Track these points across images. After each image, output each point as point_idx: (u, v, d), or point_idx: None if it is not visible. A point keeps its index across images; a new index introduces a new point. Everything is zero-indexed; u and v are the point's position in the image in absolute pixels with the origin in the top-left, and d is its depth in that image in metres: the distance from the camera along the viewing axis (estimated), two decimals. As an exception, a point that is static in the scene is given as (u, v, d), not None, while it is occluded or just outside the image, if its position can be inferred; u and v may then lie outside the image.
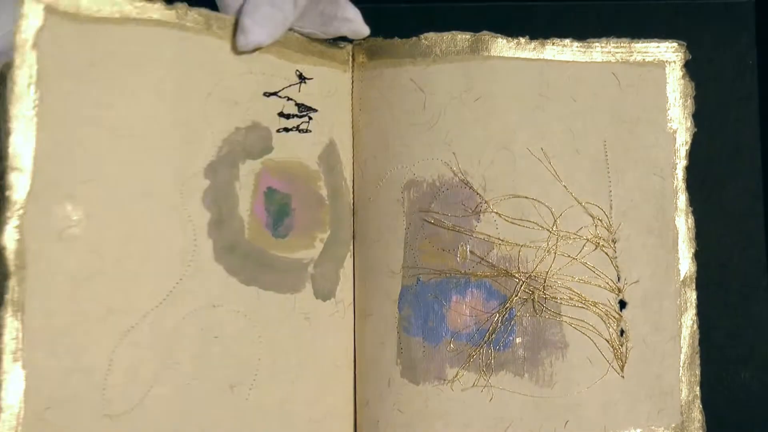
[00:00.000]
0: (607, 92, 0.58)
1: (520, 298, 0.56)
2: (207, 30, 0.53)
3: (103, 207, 0.48)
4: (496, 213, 0.56)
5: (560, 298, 0.56)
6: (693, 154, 0.58)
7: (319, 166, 0.57)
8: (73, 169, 0.47)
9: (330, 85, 0.58)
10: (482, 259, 0.56)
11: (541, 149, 0.57)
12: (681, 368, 0.57)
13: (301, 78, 0.57)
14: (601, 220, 0.57)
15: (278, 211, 0.55)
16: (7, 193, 0.45)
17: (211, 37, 0.53)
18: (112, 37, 0.49)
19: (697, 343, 0.57)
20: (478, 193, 0.56)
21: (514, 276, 0.56)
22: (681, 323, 0.57)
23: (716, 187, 0.60)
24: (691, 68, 0.58)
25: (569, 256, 0.56)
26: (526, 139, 0.57)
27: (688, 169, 0.58)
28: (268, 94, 0.55)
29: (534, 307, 0.56)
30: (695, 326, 0.57)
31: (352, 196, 0.59)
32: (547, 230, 0.56)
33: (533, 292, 0.56)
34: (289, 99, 0.56)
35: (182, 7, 0.52)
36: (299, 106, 0.57)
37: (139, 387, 0.49)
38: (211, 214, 0.52)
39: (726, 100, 0.61)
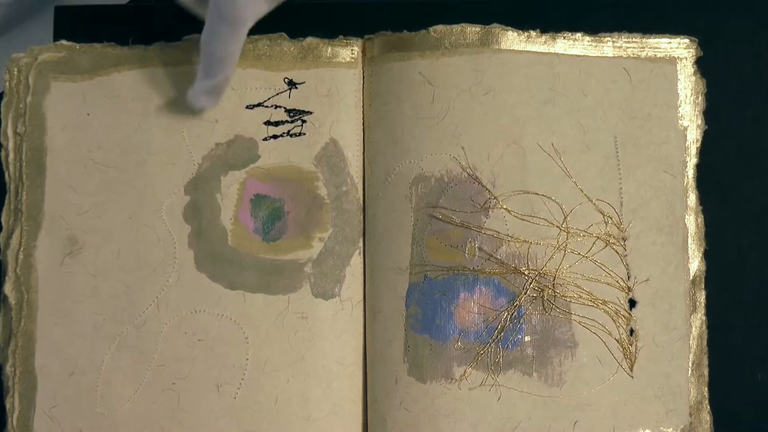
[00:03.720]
0: (618, 87, 0.57)
1: (529, 296, 0.55)
2: (180, 60, 0.58)
3: (95, 234, 0.57)
4: (506, 209, 0.55)
5: (570, 297, 0.55)
6: (710, 151, 0.58)
7: (316, 167, 0.58)
8: (72, 205, 0.57)
9: (328, 84, 0.58)
10: (491, 255, 0.55)
11: (552, 144, 0.56)
12: (690, 369, 0.56)
13: (291, 84, 0.58)
14: (611, 218, 0.56)
15: (268, 216, 0.57)
16: (23, 231, 0.57)
17: (187, 66, 0.58)
18: (102, 87, 0.58)
19: (705, 343, 0.57)
20: (487, 189, 0.56)
21: (524, 273, 0.55)
22: (690, 323, 0.56)
23: (733, 186, 0.59)
24: (708, 65, 0.58)
25: (579, 253, 0.56)
26: (536, 134, 0.56)
27: (705, 167, 0.57)
28: (251, 107, 0.58)
29: (543, 305, 0.55)
30: (704, 326, 0.57)
31: (361, 192, 0.58)
32: (557, 227, 0.55)
33: (542, 290, 0.55)
34: (277, 107, 0.58)
35: (156, 46, 0.59)
36: (290, 111, 0.58)
37: (128, 387, 0.56)
38: (191, 227, 0.57)
39: (744, 98, 0.60)
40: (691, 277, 0.57)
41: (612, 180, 0.56)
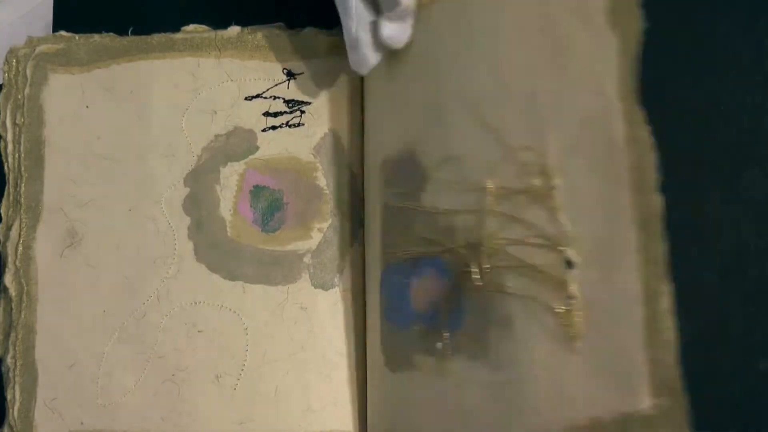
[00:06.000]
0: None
1: (462, 272, 0.48)
2: (179, 52, 0.60)
3: (96, 225, 0.58)
4: (437, 180, 0.50)
5: (502, 266, 0.46)
6: (710, 141, 0.54)
7: (315, 158, 0.59)
8: (72, 197, 0.58)
9: (326, 75, 0.60)
10: (431, 233, 0.50)
11: (468, 97, 0.49)
12: (645, 337, 0.41)
13: (290, 75, 0.60)
14: (536, 166, 0.45)
15: (268, 207, 0.58)
16: (23, 223, 0.58)
17: (188, 57, 0.60)
18: (101, 79, 0.59)
19: (668, 306, 0.41)
20: (420, 164, 0.51)
21: (454, 248, 0.49)
22: (645, 282, 0.41)
23: (733, 175, 0.55)
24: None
25: (508, 215, 0.46)
26: (453, 89, 0.49)
27: (705, 157, 0.53)
28: (249, 98, 0.59)
29: (480, 279, 0.47)
30: (664, 286, 0.41)
31: (360, 182, 0.59)
32: (483, 188, 0.48)
33: (477, 263, 0.48)
34: (276, 98, 0.59)
35: (155, 38, 0.60)
36: (288, 102, 0.59)
37: (128, 378, 0.56)
38: (191, 219, 0.58)
39: (743, 86, 0.56)
40: (641, 221, 0.42)
41: (535, 122, 0.45)
